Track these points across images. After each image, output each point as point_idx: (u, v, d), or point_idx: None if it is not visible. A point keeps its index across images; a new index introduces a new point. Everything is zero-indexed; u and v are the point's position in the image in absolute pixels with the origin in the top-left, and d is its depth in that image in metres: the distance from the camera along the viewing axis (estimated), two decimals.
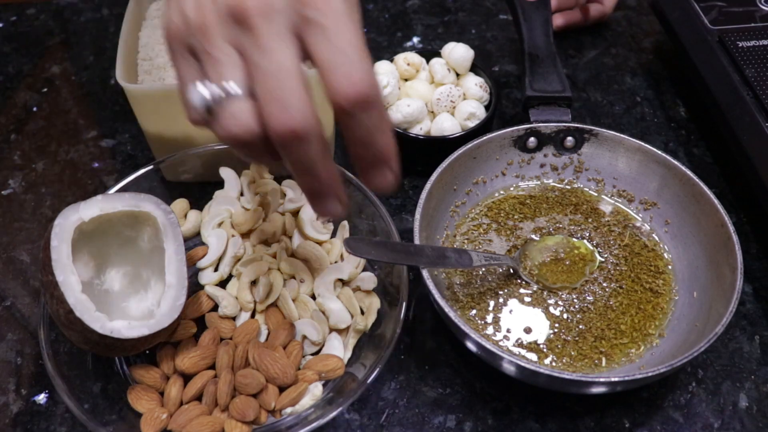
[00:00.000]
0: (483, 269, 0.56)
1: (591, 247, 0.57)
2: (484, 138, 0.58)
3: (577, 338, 0.52)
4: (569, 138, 0.61)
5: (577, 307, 0.54)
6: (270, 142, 0.34)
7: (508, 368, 0.47)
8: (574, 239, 0.58)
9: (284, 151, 0.34)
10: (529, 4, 0.66)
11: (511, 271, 0.56)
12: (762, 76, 0.62)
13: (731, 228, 0.52)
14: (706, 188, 0.55)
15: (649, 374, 0.44)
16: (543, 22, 0.66)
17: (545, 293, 0.55)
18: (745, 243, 0.60)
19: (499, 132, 0.59)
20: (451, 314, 0.47)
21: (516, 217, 0.60)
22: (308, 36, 0.33)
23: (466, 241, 0.58)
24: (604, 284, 0.55)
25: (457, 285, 0.55)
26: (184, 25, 0.35)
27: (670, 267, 0.56)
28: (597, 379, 0.45)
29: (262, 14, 0.33)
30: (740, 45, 0.65)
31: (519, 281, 0.55)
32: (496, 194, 0.62)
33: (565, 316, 0.53)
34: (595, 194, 0.61)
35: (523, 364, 0.45)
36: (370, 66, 0.34)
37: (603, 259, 0.57)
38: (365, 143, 0.35)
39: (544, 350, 0.52)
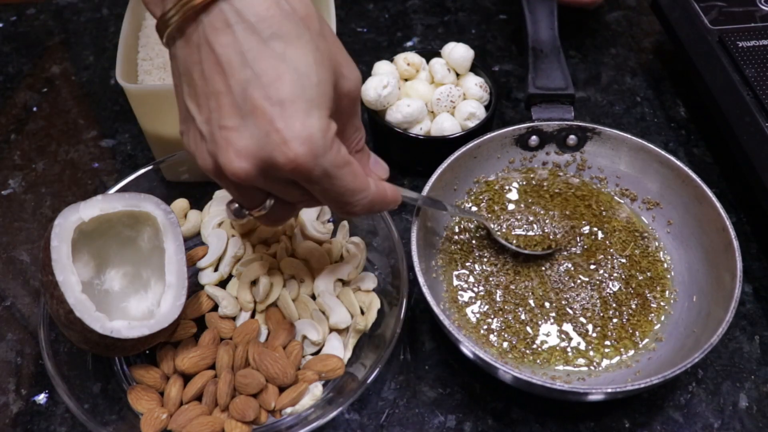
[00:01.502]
0: (480, 270, 0.56)
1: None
2: (486, 137, 0.58)
3: (578, 341, 0.52)
4: (572, 136, 0.60)
5: (573, 308, 0.54)
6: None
7: (504, 377, 0.47)
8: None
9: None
10: None
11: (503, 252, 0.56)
12: (762, 76, 0.62)
13: (732, 233, 0.51)
14: (708, 191, 0.54)
15: (641, 385, 0.44)
16: (548, 14, 0.65)
17: (542, 294, 0.55)
18: (745, 243, 0.60)
19: (501, 131, 0.59)
20: (447, 323, 0.47)
21: (518, 216, 0.60)
22: (304, 185, 0.39)
23: (466, 239, 0.58)
24: (601, 287, 0.55)
25: (456, 286, 0.55)
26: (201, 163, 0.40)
27: (669, 271, 0.56)
28: (590, 390, 0.45)
29: (253, 179, 0.37)
30: (740, 45, 0.65)
31: (517, 281, 0.55)
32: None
33: (562, 317, 0.53)
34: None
35: (518, 374, 0.45)
36: (364, 196, 0.40)
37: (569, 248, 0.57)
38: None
39: (542, 353, 0.52)
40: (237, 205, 0.42)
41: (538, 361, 0.51)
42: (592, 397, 0.46)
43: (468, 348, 0.46)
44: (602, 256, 0.57)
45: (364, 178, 0.40)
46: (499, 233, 0.56)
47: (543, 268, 0.56)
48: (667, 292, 0.55)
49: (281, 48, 0.35)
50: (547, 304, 0.54)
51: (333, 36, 0.39)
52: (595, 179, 0.61)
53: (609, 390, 0.44)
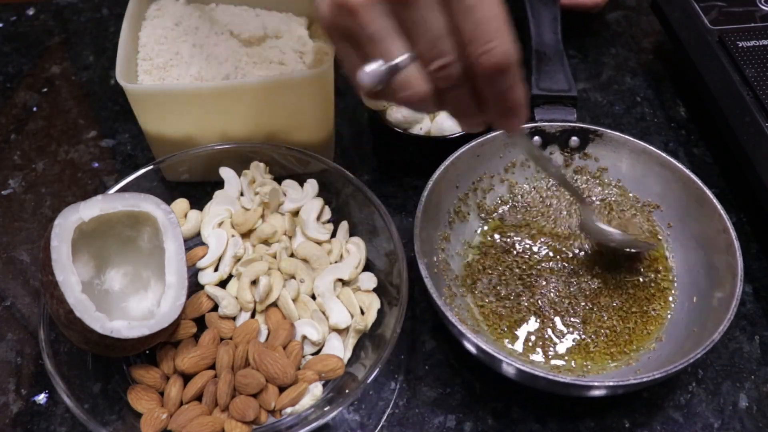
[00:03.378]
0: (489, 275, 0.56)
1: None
2: (488, 136, 0.58)
3: (577, 344, 0.52)
4: (574, 138, 0.60)
5: (572, 307, 0.54)
6: (440, 94, 0.38)
7: (507, 370, 0.47)
8: None
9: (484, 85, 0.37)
10: (537, 0, 0.66)
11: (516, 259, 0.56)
12: (762, 76, 0.62)
13: (733, 234, 0.51)
14: (709, 193, 0.54)
15: (644, 380, 0.44)
16: (551, 19, 0.66)
17: (540, 293, 0.55)
18: (745, 243, 0.60)
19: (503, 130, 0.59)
20: (450, 315, 0.47)
21: (519, 215, 0.60)
22: (451, 4, 0.35)
23: (469, 238, 0.58)
24: (602, 288, 0.55)
25: (454, 282, 0.55)
26: (336, 9, 0.37)
27: (670, 272, 0.56)
28: (592, 383, 0.45)
29: None
30: (740, 45, 0.65)
31: (516, 277, 0.55)
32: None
33: (562, 321, 0.53)
34: None
35: (521, 367, 0.45)
36: (508, 35, 0.36)
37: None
38: (499, 99, 0.38)
39: (539, 352, 0.52)
40: (370, 64, 0.36)
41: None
42: (594, 392, 0.46)
43: (470, 341, 0.46)
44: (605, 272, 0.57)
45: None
46: None
47: (543, 273, 0.56)
48: (665, 299, 0.55)
49: None
50: (545, 308, 0.54)
51: None
52: (594, 180, 0.62)
53: (611, 383, 0.45)
